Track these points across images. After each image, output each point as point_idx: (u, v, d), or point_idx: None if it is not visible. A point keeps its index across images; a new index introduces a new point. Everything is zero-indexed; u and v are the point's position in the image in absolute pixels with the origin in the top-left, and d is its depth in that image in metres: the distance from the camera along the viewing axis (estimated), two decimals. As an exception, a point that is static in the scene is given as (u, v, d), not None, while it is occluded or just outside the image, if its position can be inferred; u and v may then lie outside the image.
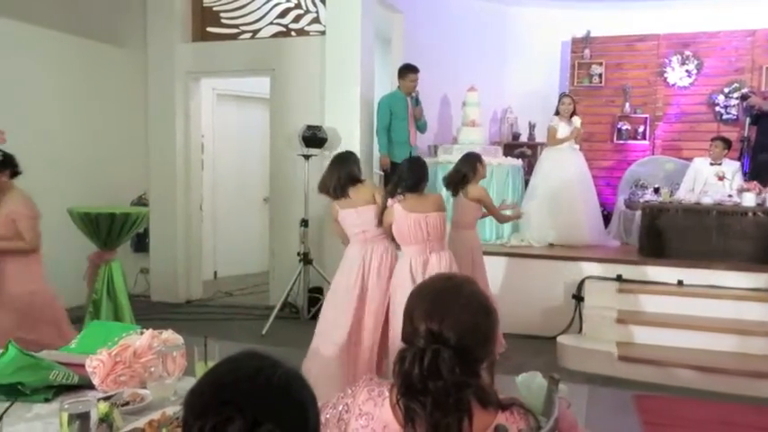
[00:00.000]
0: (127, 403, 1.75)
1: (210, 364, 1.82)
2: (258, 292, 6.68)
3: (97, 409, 1.52)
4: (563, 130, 6.15)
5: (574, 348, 4.64)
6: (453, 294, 1.32)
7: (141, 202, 6.56)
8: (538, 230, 5.99)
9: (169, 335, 1.99)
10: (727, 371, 4.20)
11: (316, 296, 5.78)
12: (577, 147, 6.31)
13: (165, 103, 6.48)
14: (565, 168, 6.06)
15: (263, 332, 5.22)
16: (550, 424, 1.38)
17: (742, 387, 4.09)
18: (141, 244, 6.67)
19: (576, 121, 6.22)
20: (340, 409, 1.36)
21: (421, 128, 6.12)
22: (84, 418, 1.46)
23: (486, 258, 5.49)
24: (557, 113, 6.26)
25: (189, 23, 6.59)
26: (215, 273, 7.63)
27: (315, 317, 5.65)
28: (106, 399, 1.69)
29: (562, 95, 6.44)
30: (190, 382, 1.92)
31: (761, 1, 7.47)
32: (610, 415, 3.93)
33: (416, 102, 5.97)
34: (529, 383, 1.64)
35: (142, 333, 2.00)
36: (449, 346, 1.23)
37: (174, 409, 1.68)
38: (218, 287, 7.08)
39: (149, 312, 5.85)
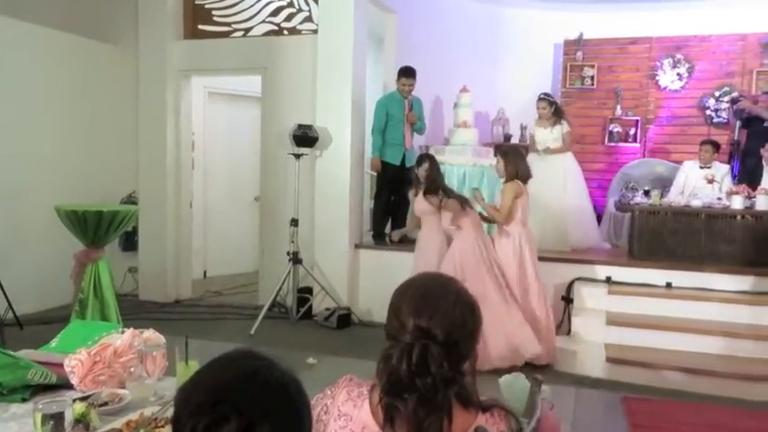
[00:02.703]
0: (105, 403, 1.72)
1: (192, 364, 1.80)
2: (247, 292, 6.65)
3: (72, 410, 1.49)
4: (541, 135, 6.00)
5: (562, 350, 4.63)
6: (442, 291, 1.32)
7: (131, 200, 6.52)
8: None
9: (150, 334, 1.96)
10: (715, 373, 4.21)
11: (305, 296, 5.76)
12: (554, 149, 5.97)
13: (156, 100, 6.44)
14: (549, 173, 5.81)
15: (252, 332, 5.18)
16: (531, 425, 1.37)
17: (730, 389, 4.10)
18: (130, 242, 6.62)
19: (559, 129, 5.94)
20: (318, 410, 1.34)
21: (418, 130, 6.08)
22: (58, 418, 1.44)
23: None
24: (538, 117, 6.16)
25: (180, 21, 6.55)
26: (204, 272, 7.60)
27: (304, 317, 5.66)
28: (83, 399, 1.66)
29: (538, 99, 6.12)
30: (171, 383, 1.91)
31: (752, 6, 7.51)
32: (598, 417, 3.93)
33: (411, 107, 5.92)
34: (512, 384, 1.63)
35: (123, 332, 1.98)
36: (437, 342, 1.23)
37: (152, 410, 1.66)
38: (207, 286, 7.05)
39: (137, 311, 5.81)
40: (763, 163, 6.17)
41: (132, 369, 1.86)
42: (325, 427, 1.32)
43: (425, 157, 5.03)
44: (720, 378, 4.17)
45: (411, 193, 5.08)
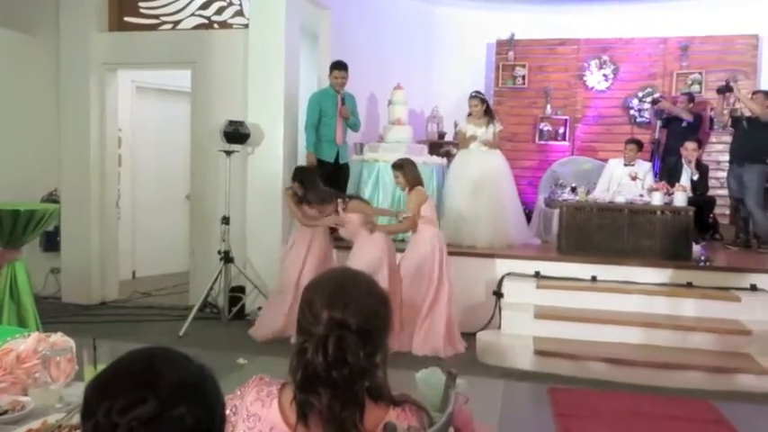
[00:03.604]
0: (5, 412, 1.63)
1: (101, 368, 1.72)
2: (178, 293, 6.47)
3: (-36, 420, 1.40)
4: (473, 132, 6.06)
5: (492, 343, 4.72)
6: (354, 282, 1.34)
7: (52, 198, 6.23)
8: (455, 232, 5.99)
9: (58, 338, 1.87)
10: (636, 362, 4.38)
11: (237, 296, 5.65)
12: (485, 149, 6.04)
13: (78, 94, 6.17)
14: (482, 171, 5.92)
15: (181, 333, 5.05)
16: (443, 419, 1.38)
17: (649, 378, 4.27)
18: (52, 243, 6.33)
19: (492, 128, 6.04)
20: (228, 411, 1.30)
21: (351, 126, 6.06)
22: (-54, 429, 1.35)
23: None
24: (469, 115, 6.25)
25: (105, 12, 6.30)
26: (133, 272, 7.35)
27: (236, 317, 5.56)
28: (-20, 407, 1.57)
29: (470, 96, 6.21)
30: (78, 389, 1.82)
31: (672, 10, 7.85)
32: (525, 408, 4.03)
33: (343, 100, 5.90)
34: (428, 379, 1.64)
35: (28, 336, 1.88)
36: (351, 331, 1.23)
37: (56, 417, 1.58)
38: (135, 287, 6.82)
39: (59, 315, 5.56)
40: (683, 161, 6.47)
41: (37, 375, 1.77)
42: (233, 427, 1.29)
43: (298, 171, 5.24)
44: (640, 367, 4.35)
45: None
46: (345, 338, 1.22)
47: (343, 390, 1.21)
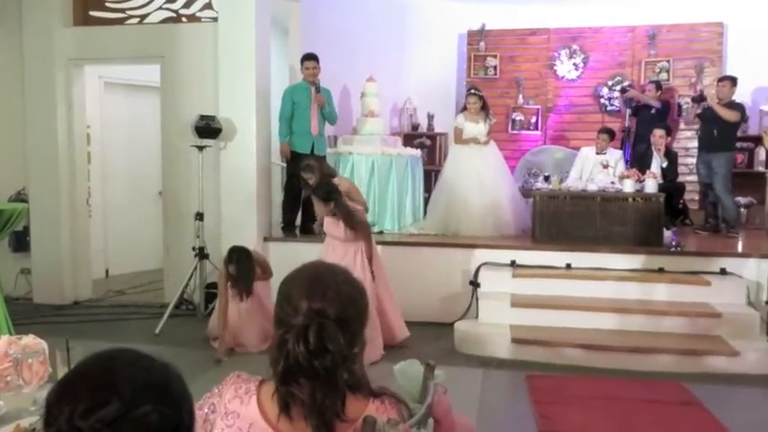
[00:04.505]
0: (-23, 417, 1.60)
1: (75, 369, 1.70)
2: (153, 290, 6.39)
3: (-67, 426, 1.37)
4: (469, 128, 6.21)
5: (470, 333, 4.76)
6: (330, 273, 1.34)
7: (20, 197, 6.10)
8: (445, 224, 6.07)
9: (30, 340, 1.84)
10: (610, 347, 4.45)
11: (213, 292, 5.59)
12: (484, 141, 6.26)
13: (44, 91, 6.03)
14: (483, 163, 6.14)
15: (157, 331, 4.99)
16: (422, 411, 1.39)
17: (623, 362, 4.35)
18: (21, 243, 6.20)
19: (489, 120, 6.27)
20: (206, 410, 1.30)
21: (327, 117, 6.02)
22: None
23: (387, 248, 5.57)
24: (464, 109, 6.32)
25: (69, 6, 6.16)
26: (107, 271, 7.24)
27: (212, 313, 5.50)
28: (-50, 413, 1.54)
29: (468, 94, 6.43)
30: (53, 390, 1.80)
31: (640, 0, 7.94)
32: (503, 396, 4.07)
33: (318, 89, 5.87)
34: (406, 371, 1.64)
35: (-1, 339, 1.84)
36: (331, 319, 1.23)
37: (30, 420, 1.56)
38: (109, 286, 6.72)
39: (31, 315, 5.46)
40: (652, 149, 6.57)
41: (8, 378, 1.73)
42: (212, 426, 1.28)
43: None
44: (615, 352, 4.42)
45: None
46: (326, 326, 1.22)
47: (325, 379, 1.21)
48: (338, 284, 1.30)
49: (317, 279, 1.31)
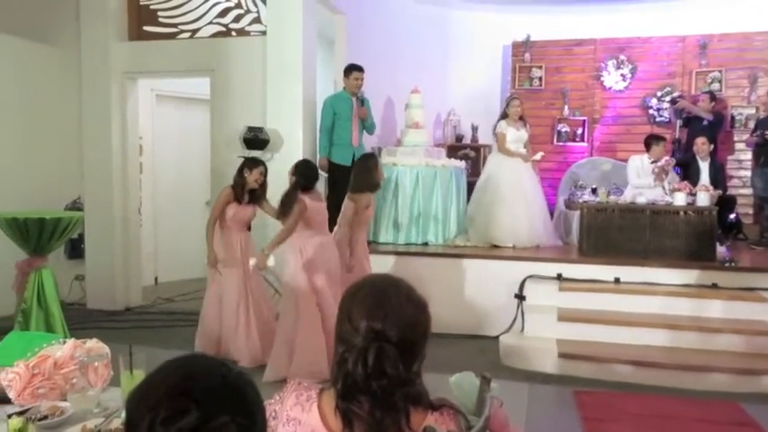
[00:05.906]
0: (45, 417, 1.65)
1: (137, 373, 1.75)
2: (200, 298, 6.45)
3: (8, 425, 1.43)
4: (512, 134, 6.18)
5: (515, 347, 4.70)
6: (393, 291, 1.32)
7: (76, 206, 6.32)
8: (484, 232, 6.05)
9: (93, 344, 1.90)
10: (661, 364, 4.34)
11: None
12: (523, 150, 6.30)
13: (100, 104, 6.25)
14: (514, 172, 6.11)
15: (204, 339, 5.07)
16: (481, 423, 1.38)
17: (674, 380, 4.23)
18: (76, 250, 6.42)
19: (526, 130, 6.28)
20: (267, 415, 1.32)
21: (368, 128, 6.08)
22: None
23: (431, 260, 5.56)
24: (504, 116, 6.29)
25: (124, 22, 6.38)
26: (156, 278, 7.42)
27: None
28: (21, 413, 1.60)
29: (510, 98, 6.42)
30: (115, 393, 1.85)
31: (690, 9, 7.79)
32: (550, 412, 4.00)
33: (362, 102, 5.93)
34: (461, 383, 1.64)
35: (65, 343, 1.91)
36: (391, 343, 1.23)
37: (96, 422, 1.61)
38: (158, 293, 6.89)
39: (85, 321, 5.63)
40: (697, 158, 6.41)
41: (74, 380, 1.79)
42: (273, 432, 1.30)
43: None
44: (665, 369, 4.30)
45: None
46: (385, 350, 1.22)
47: (382, 398, 1.22)
48: (400, 304, 1.29)
49: (378, 298, 1.30)
